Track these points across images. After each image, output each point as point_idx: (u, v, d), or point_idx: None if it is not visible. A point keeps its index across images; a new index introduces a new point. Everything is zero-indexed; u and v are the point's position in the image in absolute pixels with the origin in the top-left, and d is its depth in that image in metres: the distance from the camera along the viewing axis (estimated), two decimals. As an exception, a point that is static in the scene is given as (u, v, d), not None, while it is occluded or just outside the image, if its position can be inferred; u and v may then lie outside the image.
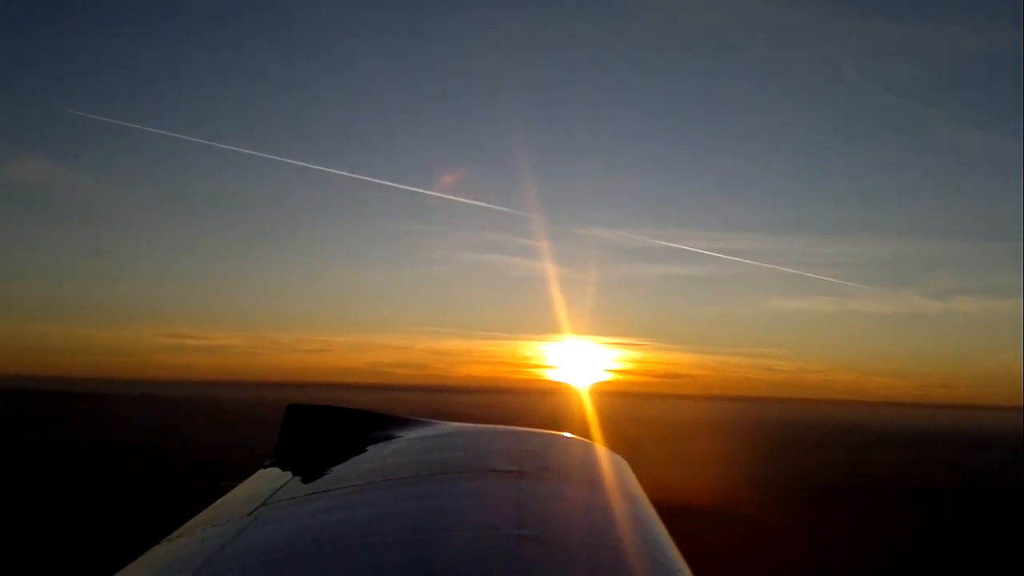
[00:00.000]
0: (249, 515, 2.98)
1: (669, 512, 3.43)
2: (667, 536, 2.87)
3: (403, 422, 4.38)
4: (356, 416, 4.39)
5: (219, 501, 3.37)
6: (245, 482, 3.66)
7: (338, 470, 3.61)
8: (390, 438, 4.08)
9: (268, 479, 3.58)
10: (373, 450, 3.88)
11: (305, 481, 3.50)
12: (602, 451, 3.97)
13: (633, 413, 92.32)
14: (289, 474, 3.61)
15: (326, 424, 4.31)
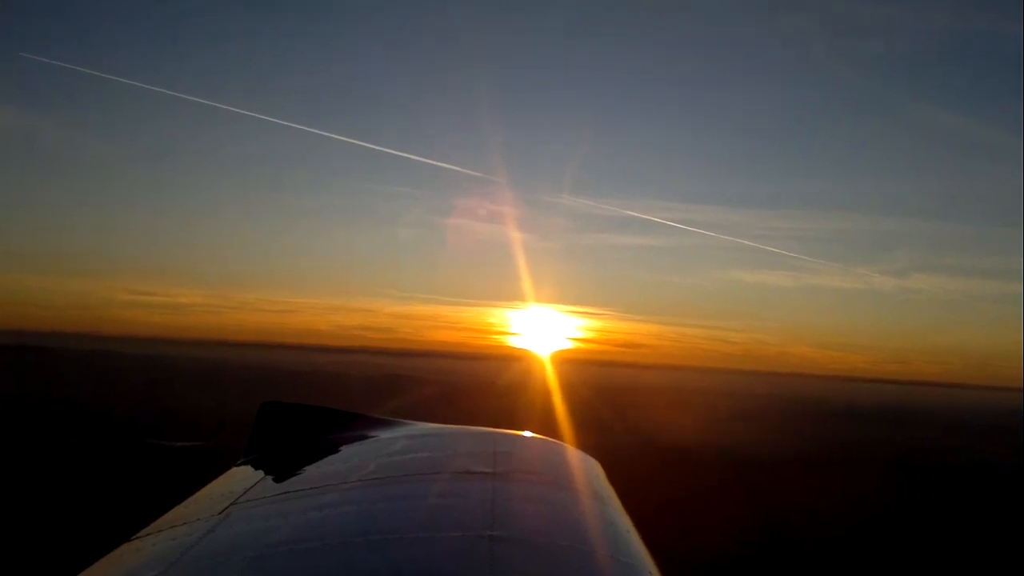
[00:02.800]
0: (220, 513, 2.95)
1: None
2: (638, 538, 2.88)
3: (377, 422, 4.36)
4: (330, 415, 4.35)
5: (190, 499, 3.33)
6: (217, 480, 3.61)
7: (311, 470, 3.59)
8: (364, 438, 4.05)
9: (240, 477, 3.53)
10: (347, 450, 3.86)
11: (277, 480, 3.47)
12: (575, 453, 3.99)
13: (591, 382, 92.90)
14: (261, 473, 3.57)
15: (300, 423, 4.26)
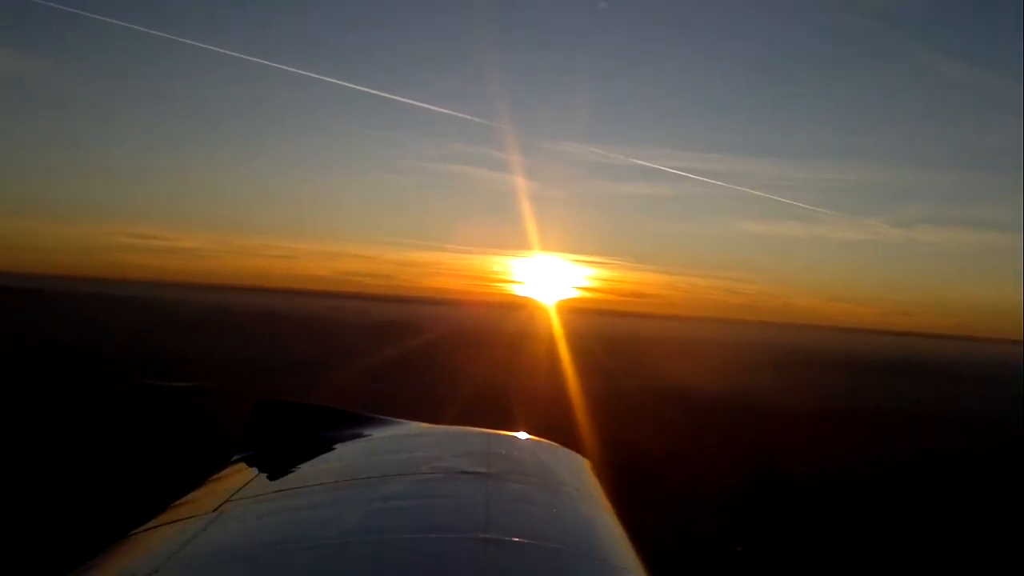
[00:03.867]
0: (214, 511, 2.97)
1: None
2: (626, 538, 2.90)
3: (372, 421, 4.35)
4: (324, 414, 4.36)
5: (185, 497, 3.35)
6: (211, 478, 3.64)
7: (305, 468, 3.60)
8: (358, 436, 4.06)
9: (234, 475, 3.55)
10: (341, 448, 3.87)
11: (272, 478, 3.47)
12: (567, 454, 4.04)
13: (595, 331, 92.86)
14: (255, 470, 3.58)
15: (294, 420, 4.27)
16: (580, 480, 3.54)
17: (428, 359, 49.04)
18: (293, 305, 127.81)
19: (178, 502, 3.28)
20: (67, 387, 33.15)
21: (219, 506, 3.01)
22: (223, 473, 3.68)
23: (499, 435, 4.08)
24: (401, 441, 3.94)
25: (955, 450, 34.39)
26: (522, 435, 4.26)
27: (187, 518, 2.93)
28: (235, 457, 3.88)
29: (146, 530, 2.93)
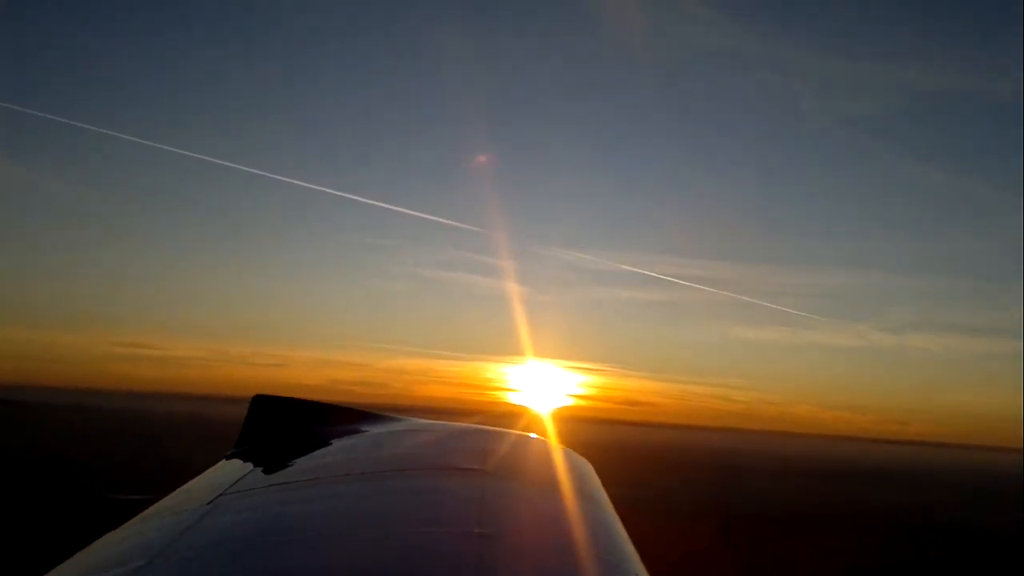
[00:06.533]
0: (208, 504, 2.93)
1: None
2: (627, 538, 2.85)
3: (368, 417, 4.31)
4: (321, 409, 4.31)
5: (179, 490, 3.28)
6: (206, 471, 3.57)
7: (301, 463, 3.57)
8: (355, 432, 4.03)
9: (230, 469, 3.52)
10: (337, 444, 3.85)
11: (267, 472, 3.44)
12: (566, 452, 3.95)
13: (594, 440, 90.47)
14: (251, 465, 3.53)
15: (291, 416, 4.21)
16: (580, 480, 3.48)
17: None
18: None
19: (172, 494, 3.20)
20: (16, 500, 30.96)
21: (214, 499, 2.97)
22: (218, 467, 3.62)
23: (498, 432, 4.02)
24: (399, 437, 3.90)
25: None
26: (520, 433, 4.19)
27: (181, 510, 2.88)
28: (230, 452, 3.81)
29: (140, 521, 2.89)
